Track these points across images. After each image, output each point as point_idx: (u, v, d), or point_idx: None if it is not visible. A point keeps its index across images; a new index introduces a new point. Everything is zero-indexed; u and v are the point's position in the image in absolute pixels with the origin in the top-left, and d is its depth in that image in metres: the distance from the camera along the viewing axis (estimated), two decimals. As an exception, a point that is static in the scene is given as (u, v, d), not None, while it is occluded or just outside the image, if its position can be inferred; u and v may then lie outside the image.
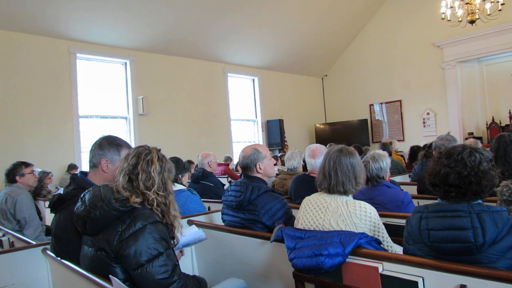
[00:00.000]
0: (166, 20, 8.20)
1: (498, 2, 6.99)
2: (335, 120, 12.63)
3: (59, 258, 1.86)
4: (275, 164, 6.13)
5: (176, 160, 3.34)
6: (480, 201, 1.54)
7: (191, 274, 1.92)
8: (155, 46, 8.73)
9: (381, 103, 11.83)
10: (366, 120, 12.01)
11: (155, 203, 1.65)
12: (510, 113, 9.33)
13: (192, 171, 5.46)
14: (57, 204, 1.90)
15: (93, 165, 1.98)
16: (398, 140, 9.75)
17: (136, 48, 8.56)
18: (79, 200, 1.69)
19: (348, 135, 11.40)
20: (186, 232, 2.33)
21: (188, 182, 4.17)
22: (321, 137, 11.97)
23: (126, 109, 8.60)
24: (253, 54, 10.70)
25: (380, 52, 11.66)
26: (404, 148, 9.21)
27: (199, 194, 3.44)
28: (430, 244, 1.53)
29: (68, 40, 7.61)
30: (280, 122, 11.16)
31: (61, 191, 4.75)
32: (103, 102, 8.30)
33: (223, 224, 2.61)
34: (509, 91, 9.77)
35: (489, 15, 7.13)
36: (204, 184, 4.29)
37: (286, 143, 11.15)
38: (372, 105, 12.04)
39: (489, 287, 1.34)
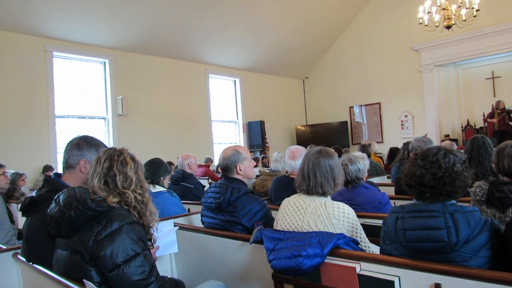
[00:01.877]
0: (147, 20, 8.10)
1: (473, 8, 7.21)
2: (316, 122, 12.74)
3: (30, 263, 1.80)
4: (255, 166, 6.11)
5: (159, 162, 3.29)
6: (454, 201, 1.58)
7: (169, 276, 1.90)
8: (135, 45, 8.61)
9: (361, 106, 12.01)
10: (346, 122, 12.17)
11: (133, 202, 1.64)
12: (484, 116, 9.62)
13: (172, 172, 5.40)
14: (29, 207, 1.84)
15: (70, 166, 1.92)
16: (377, 142, 9.93)
17: (115, 47, 8.41)
18: (53, 201, 1.65)
19: (328, 137, 11.51)
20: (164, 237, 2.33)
21: (168, 184, 4.12)
22: (302, 139, 12.05)
23: (105, 109, 8.44)
24: (235, 56, 10.69)
25: (360, 55, 11.83)
26: (383, 149, 9.37)
27: (179, 196, 3.41)
28: (405, 244, 1.55)
29: (44, 37, 7.42)
30: (261, 123, 11.18)
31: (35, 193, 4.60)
32: (81, 102, 8.13)
33: (202, 226, 2.59)
34: (483, 95, 10.08)
35: (464, 21, 7.34)
36: (184, 185, 4.26)
37: (267, 144, 11.18)
38: (352, 107, 12.21)
39: (462, 285, 1.37)
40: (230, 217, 2.34)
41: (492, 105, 9.39)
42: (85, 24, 7.56)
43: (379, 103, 11.61)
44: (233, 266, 2.28)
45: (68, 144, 1.95)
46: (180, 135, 9.51)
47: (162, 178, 3.19)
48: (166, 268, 2.58)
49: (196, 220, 2.89)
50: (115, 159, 1.68)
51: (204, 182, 6.23)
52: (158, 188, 3.10)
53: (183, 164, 4.42)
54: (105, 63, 8.43)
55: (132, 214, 1.65)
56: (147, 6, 7.72)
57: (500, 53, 9.55)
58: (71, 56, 7.96)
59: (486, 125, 9.51)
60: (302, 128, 12.74)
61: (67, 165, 1.93)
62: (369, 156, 5.66)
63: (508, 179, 2.18)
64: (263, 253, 1.90)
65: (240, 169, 2.46)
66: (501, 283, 1.29)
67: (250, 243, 2.04)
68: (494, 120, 9.09)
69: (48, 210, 1.63)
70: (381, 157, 7.67)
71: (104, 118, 8.43)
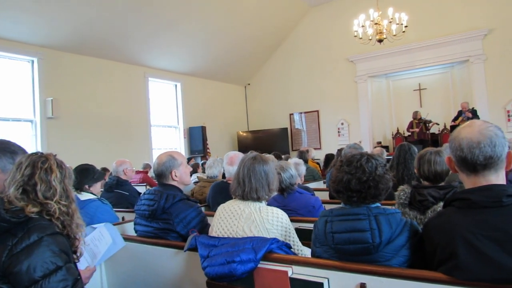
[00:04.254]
0: (81, 17, 7.66)
1: (402, 24, 7.80)
2: (257, 128, 12.91)
3: None
4: (195, 172, 6.00)
5: (85, 169, 3.11)
6: (378, 204, 1.67)
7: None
8: (68, 44, 8.10)
9: (301, 113, 12.38)
10: (287, 128, 12.46)
11: (57, 213, 1.52)
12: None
13: (107, 179, 5.15)
14: None
15: None
16: (315, 148, 10.29)
17: (45, 45, 7.85)
18: (-40, 213, 1.48)
19: (269, 143, 11.71)
20: (99, 240, 2.23)
21: (100, 191, 3.91)
22: (244, 145, 12.13)
23: (32, 112, 7.82)
24: (176, 59, 10.49)
25: (300, 64, 12.22)
26: (321, 155, 9.72)
27: (112, 204, 3.25)
28: (334, 246, 1.61)
29: (-38, 31, 6.74)
30: (203, 129, 11.07)
31: None
32: (4, 103, 7.45)
33: (135, 234, 2.49)
34: (411, 105, 10.86)
35: (394, 36, 7.91)
36: (119, 192, 4.07)
37: (208, 150, 11.08)
38: (292, 114, 12.55)
39: (385, 283, 1.46)
40: (165, 225, 2.28)
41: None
42: (10, 18, 6.95)
43: (318, 111, 12.05)
44: (167, 275, 2.21)
45: None
46: (117, 140, 9.09)
47: (86, 186, 3.01)
48: (95, 280, 2.43)
49: (130, 229, 2.77)
50: (39, 166, 1.54)
51: (142, 189, 6.01)
52: (87, 196, 2.93)
53: (118, 170, 4.23)
54: (33, 61, 7.83)
55: (54, 224, 1.53)
56: (83, 3, 7.32)
57: (426, 66, 10.41)
58: (-6, 53, 7.30)
59: (410, 133, 10.27)
60: (244, 134, 12.83)
61: None
62: (306, 162, 5.85)
63: (428, 183, 2.36)
64: (197, 260, 1.87)
65: (175, 175, 2.41)
66: (418, 280, 1.39)
67: (185, 251, 2.00)
68: (415, 130, 9.84)
69: (-47, 223, 1.46)
70: (318, 163, 7.95)
71: (31, 121, 7.81)
